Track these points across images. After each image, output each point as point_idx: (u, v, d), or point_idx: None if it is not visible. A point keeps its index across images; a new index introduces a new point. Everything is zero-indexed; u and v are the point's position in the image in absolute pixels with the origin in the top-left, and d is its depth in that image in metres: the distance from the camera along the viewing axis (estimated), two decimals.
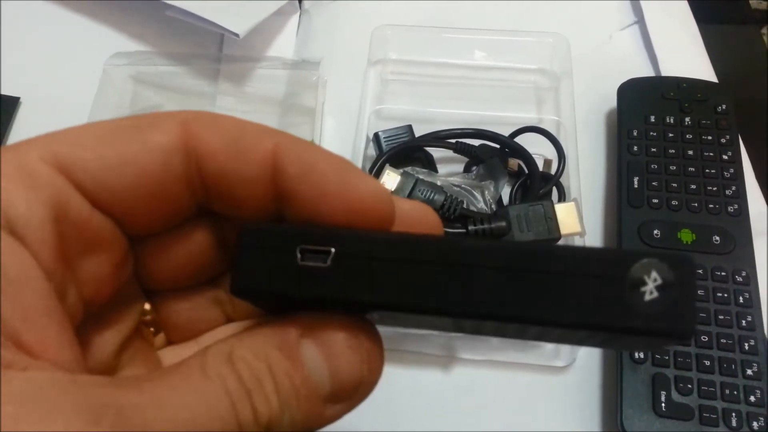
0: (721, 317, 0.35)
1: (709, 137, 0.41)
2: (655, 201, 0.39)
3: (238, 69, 0.47)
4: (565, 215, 0.37)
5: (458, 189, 0.40)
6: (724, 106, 0.42)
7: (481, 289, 0.13)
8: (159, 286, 0.18)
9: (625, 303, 0.13)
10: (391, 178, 0.39)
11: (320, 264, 0.14)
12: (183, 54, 0.47)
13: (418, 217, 0.16)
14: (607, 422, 0.35)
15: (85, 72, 0.45)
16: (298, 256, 0.14)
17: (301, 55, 0.49)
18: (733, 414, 0.32)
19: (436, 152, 0.43)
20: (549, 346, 0.37)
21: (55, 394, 0.11)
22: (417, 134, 0.43)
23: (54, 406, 0.11)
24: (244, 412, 0.13)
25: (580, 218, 0.37)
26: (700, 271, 0.36)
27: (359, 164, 0.41)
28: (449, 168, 0.43)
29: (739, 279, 0.36)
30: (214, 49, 0.49)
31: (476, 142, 0.42)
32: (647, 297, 0.12)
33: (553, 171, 0.41)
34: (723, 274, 0.36)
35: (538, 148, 0.42)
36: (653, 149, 0.41)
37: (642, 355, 0.34)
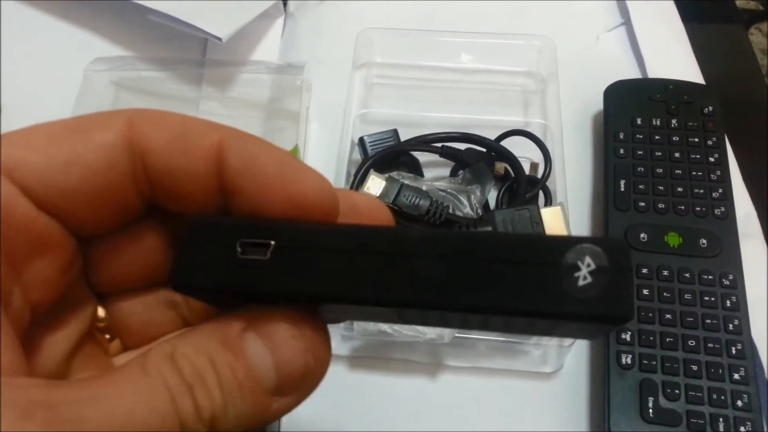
0: (708, 321, 0.35)
1: (696, 139, 0.41)
2: (642, 204, 0.39)
3: (222, 73, 0.46)
4: (552, 219, 0.37)
5: (444, 194, 0.40)
6: (710, 108, 0.42)
7: (420, 278, 0.13)
8: (111, 289, 0.17)
9: (560, 288, 0.13)
10: (375, 184, 0.38)
11: (260, 257, 0.14)
12: (165, 58, 0.47)
13: (369, 211, 0.16)
14: (595, 428, 0.35)
15: (65, 78, 0.44)
16: (239, 249, 0.14)
17: (286, 58, 0.49)
18: (721, 419, 0.32)
19: (423, 156, 0.43)
20: (536, 352, 0.37)
21: None
22: (403, 138, 0.43)
23: None
24: (185, 407, 0.13)
25: (566, 222, 0.36)
26: (687, 274, 0.36)
27: (344, 169, 0.40)
28: (435, 172, 0.43)
29: (726, 282, 0.36)
30: (197, 54, 0.49)
31: (462, 146, 0.42)
32: (581, 282, 0.12)
33: (539, 174, 0.41)
34: (710, 277, 0.36)
35: (524, 152, 0.42)
36: (640, 152, 0.41)
37: (629, 361, 0.34)
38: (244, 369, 0.14)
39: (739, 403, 0.32)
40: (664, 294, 0.36)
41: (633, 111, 0.42)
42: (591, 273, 0.12)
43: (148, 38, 0.49)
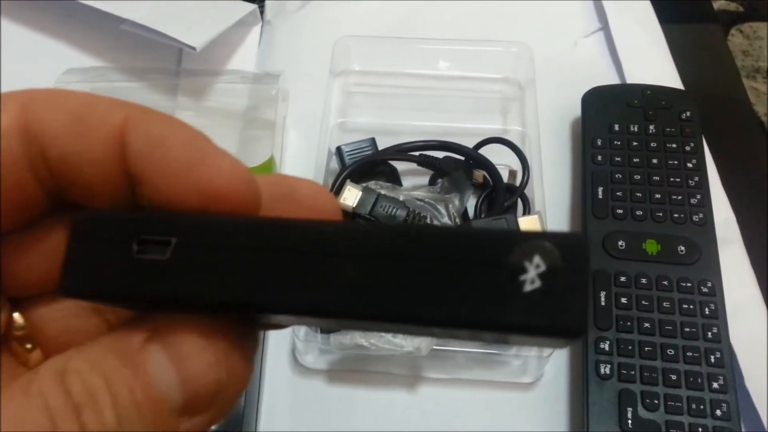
0: (687, 330, 0.34)
1: (674, 145, 0.41)
2: (620, 211, 0.39)
3: (198, 83, 0.46)
4: (529, 228, 0.36)
5: (422, 203, 0.39)
6: (688, 113, 0.42)
7: (338, 281, 0.11)
8: (24, 293, 0.16)
9: (502, 295, 0.10)
10: (352, 194, 0.38)
11: (159, 257, 0.12)
12: (139, 69, 0.46)
13: (310, 201, 0.15)
14: None
15: None
16: (135, 248, 0.12)
17: (263, 66, 0.48)
18: (700, 429, 0.32)
19: (401, 165, 0.42)
20: (516, 363, 0.36)
21: None
22: (381, 147, 0.42)
23: None
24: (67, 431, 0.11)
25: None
26: (665, 282, 0.36)
27: (321, 179, 0.40)
28: (414, 181, 0.43)
29: (705, 290, 0.36)
30: (172, 63, 0.48)
31: (441, 155, 0.42)
32: (527, 287, 0.10)
33: (518, 182, 0.41)
34: (689, 285, 0.36)
35: (503, 159, 0.42)
36: (618, 158, 0.41)
37: (608, 371, 0.34)
38: (142, 386, 0.12)
39: (718, 412, 0.32)
40: (643, 302, 0.35)
41: (610, 117, 0.42)
42: (540, 276, 0.10)
43: (122, 48, 0.48)
